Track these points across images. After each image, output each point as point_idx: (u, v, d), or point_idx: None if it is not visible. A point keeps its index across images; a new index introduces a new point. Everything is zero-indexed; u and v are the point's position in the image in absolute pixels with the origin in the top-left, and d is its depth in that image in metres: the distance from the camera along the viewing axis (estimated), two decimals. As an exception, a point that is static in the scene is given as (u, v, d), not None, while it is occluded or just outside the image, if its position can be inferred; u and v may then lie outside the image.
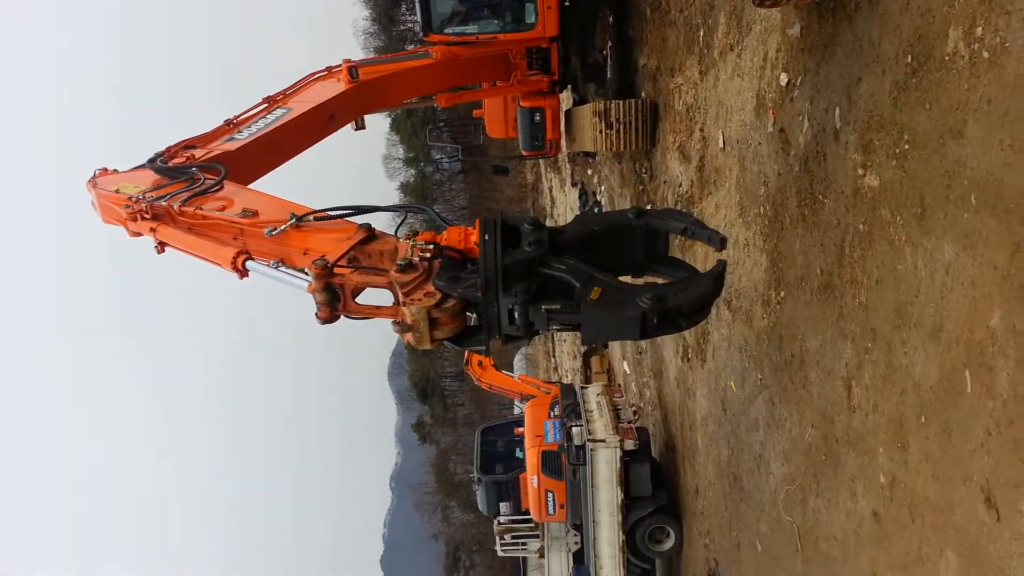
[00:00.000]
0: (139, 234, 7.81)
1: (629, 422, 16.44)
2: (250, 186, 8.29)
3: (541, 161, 46.95)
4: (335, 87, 11.88)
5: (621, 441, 15.17)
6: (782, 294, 8.96)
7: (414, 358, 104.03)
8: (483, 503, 20.74)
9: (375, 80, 12.65)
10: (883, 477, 6.75)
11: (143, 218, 7.56)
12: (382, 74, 13.02)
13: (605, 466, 15.20)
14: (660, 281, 5.93)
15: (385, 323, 5.96)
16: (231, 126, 10.08)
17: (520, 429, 19.28)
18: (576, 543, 17.71)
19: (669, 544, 15.91)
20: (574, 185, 32.46)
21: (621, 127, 14.79)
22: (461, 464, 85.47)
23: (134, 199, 7.73)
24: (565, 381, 34.52)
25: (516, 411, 30.39)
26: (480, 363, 28.12)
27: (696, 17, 11.95)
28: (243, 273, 6.50)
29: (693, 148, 12.52)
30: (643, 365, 20.20)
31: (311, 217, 6.44)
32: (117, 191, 8.24)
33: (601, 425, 15.86)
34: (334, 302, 5.84)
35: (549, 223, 6.10)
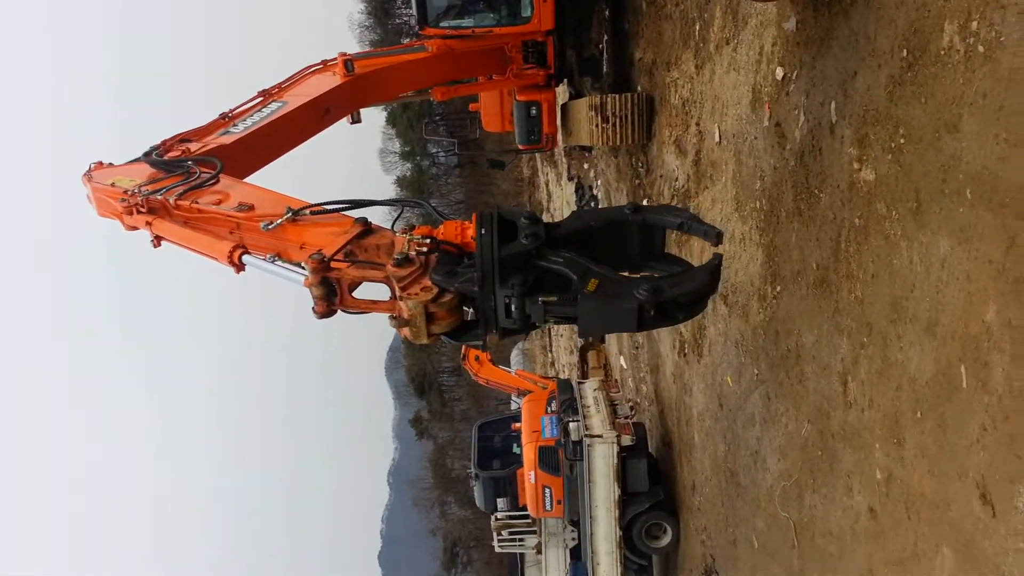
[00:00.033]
0: (135, 228, 7.79)
1: (626, 417, 16.49)
2: (246, 180, 8.26)
3: (537, 155, 47.00)
4: (330, 80, 11.84)
5: (618, 436, 15.19)
6: (778, 289, 8.96)
7: (411, 353, 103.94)
8: (480, 499, 20.76)
9: (370, 74, 12.61)
10: (879, 473, 6.76)
11: (139, 212, 7.53)
12: (378, 68, 12.98)
13: (602, 462, 15.22)
14: (656, 275, 5.93)
15: (382, 317, 5.94)
16: (226, 120, 10.05)
17: (517, 425, 19.29)
18: (573, 539, 17.73)
19: (666, 540, 15.94)
20: (570, 179, 32.46)
21: (617, 121, 14.78)
22: (459, 460, 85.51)
23: (130, 193, 7.70)
24: (562, 376, 34.55)
25: (513, 406, 30.44)
26: (477, 358, 28.10)
27: (692, 11, 11.93)
28: (239, 267, 6.48)
29: (689, 142, 12.51)
30: (640, 360, 20.21)
31: (307, 211, 6.42)
32: (113, 185, 8.21)
33: (598, 420, 15.88)
34: (331, 296, 5.82)
35: (545, 217, 6.10)
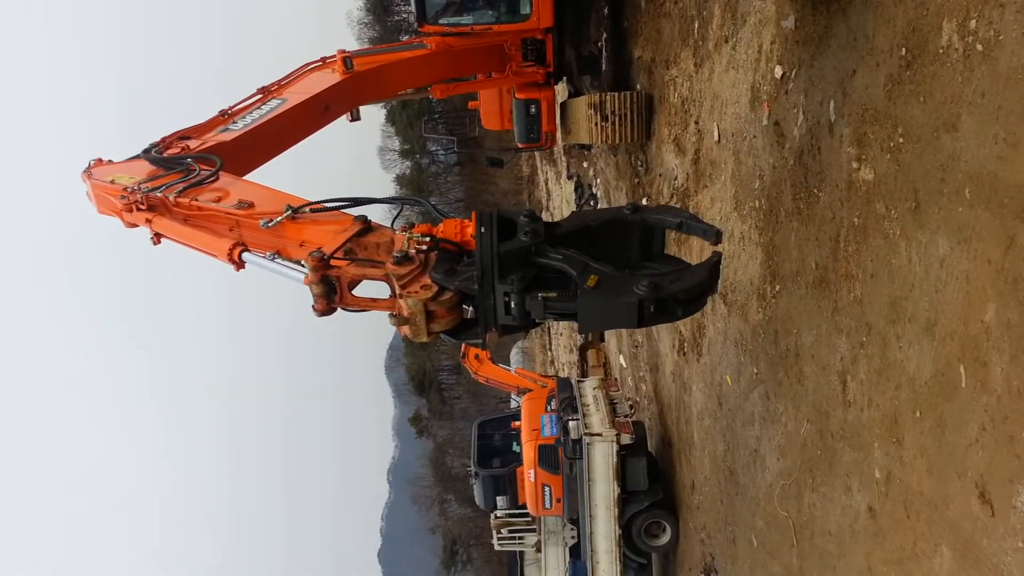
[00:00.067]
0: (135, 225, 7.78)
1: (625, 416, 16.46)
2: (246, 177, 8.26)
3: (537, 153, 46.92)
4: (330, 78, 11.83)
5: (617, 435, 15.16)
6: (777, 288, 8.96)
7: (411, 351, 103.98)
8: (480, 497, 20.77)
9: (370, 71, 12.61)
10: (878, 472, 6.76)
11: (138, 209, 7.52)
12: (377, 65, 12.97)
13: (601, 460, 15.20)
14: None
15: (382, 316, 5.95)
16: (226, 117, 10.04)
17: (517, 423, 19.29)
18: (573, 537, 17.72)
19: (665, 539, 15.91)
20: (570, 178, 32.44)
21: (616, 119, 14.77)
22: (458, 458, 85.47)
23: (129, 190, 7.69)
24: (562, 375, 34.54)
25: (513, 405, 30.42)
26: (477, 356, 28.08)
27: (691, 9, 11.92)
28: (239, 265, 6.48)
29: (688, 141, 12.51)
30: (639, 359, 20.20)
31: (307, 209, 6.42)
32: (112, 182, 8.20)
33: (597, 419, 15.86)
34: (331, 294, 5.82)
35: (545, 216, 6.10)
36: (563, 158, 34.76)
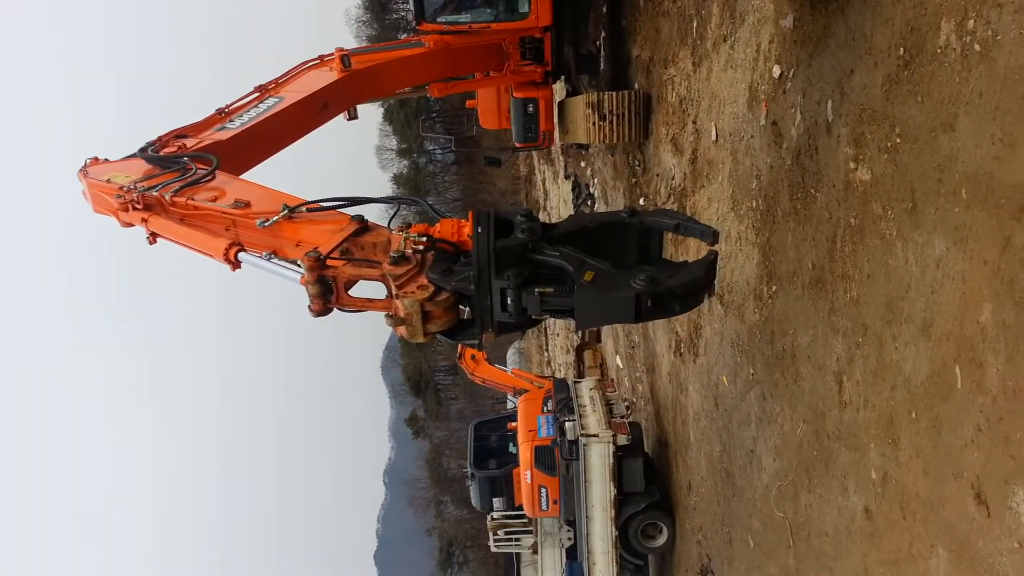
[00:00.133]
0: (130, 224, 7.75)
1: (622, 417, 16.45)
2: (242, 176, 8.24)
3: (534, 153, 46.91)
4: (327, 76, 11.82)
5: (614, 436, 15.14)
6: (774, 288, 8.96)
7: (407, 352, 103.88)
8: (476, 498, 20.71)
9: (367, 69, 12.59)
10: (874, 473, 6.76)
11: (134, 208, 7.50)
12: (375, 63, 12.96)
13: (598, 461, 15.18)
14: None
15: (378, 316, 5.94)
16: (223, 115, 10.00)
17: (513, 424, 19.27)
18: (569, 539, 17.67)
19: (662, 540, 15.90)
20: (567, 177, 32.46)
21: (614, 119, 14.77)
22: (455, 459, 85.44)
23: (125, 189, 7.67)
24: (558, 375, 34.54)
25: (509, 406, 30.40)
26: (473, 357, 28.06)
27: (689, 8, 11.92)
28: (235, 265, 6.46)
29: (686, 140, 12.50)
30: (636, 360, 20.20)
31: (304, 208, 6.41)
32: (108, 181, 8.18)
33: (594, 420, 15.85)
34: (327, 295, 5.81)
35: (542, 216, 6.09)
36: (561, 157, 34.77)
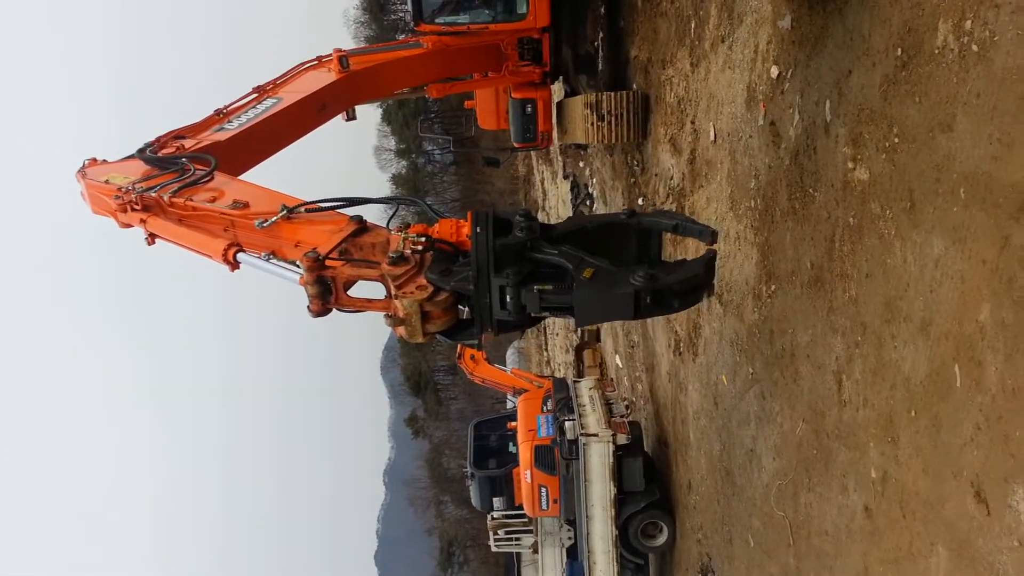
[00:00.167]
0: (129, 225, 7.74)
1: (622, 416, 16.44)
2: (241, 177, 8.24)
3: (533, 153, 46.90)
4: (326, 77, 11.82)
5: (614, 435, 15.15)
6: (773, 288, 8.96)
7: (407, 352, 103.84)
8: (476, 498, 20.72)
9: (366, 70, 12.59)
10: (874, 472, 6.76)
11: (133, 209, 7.49)
12: (373, 64, 12.96)
13: (598, 460, 15.18)
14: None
15: (378, 316, 5.94)
16: (221, 116, 10.01)
17: (513, 423, 19.27)
18: (570, 538, 17.68)
19: (662, 539, 15.90)
20: (566, 177, 32.47)
21: (612, 119, 14.77)
22: (454, 459, 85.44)
23: (124, 190, 7.67)
24: (557, 375, 34.55)
25: (509, 405, 30.41)
26: (472, 357, 28.08)
27: (687, 8, 11.93)
28: (234, 265, 6.46)
29: (684, 141, 12.51)
30: (635, 359, 20.21)
31: (302, 209, 6.41)
32: (107, 182, 8.18)
33: (594, 419, 15.85)
34: (326, 295, 5.81)
35: (541, 216, 6.10)
36: (559, 158, 34.77)
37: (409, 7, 14.53)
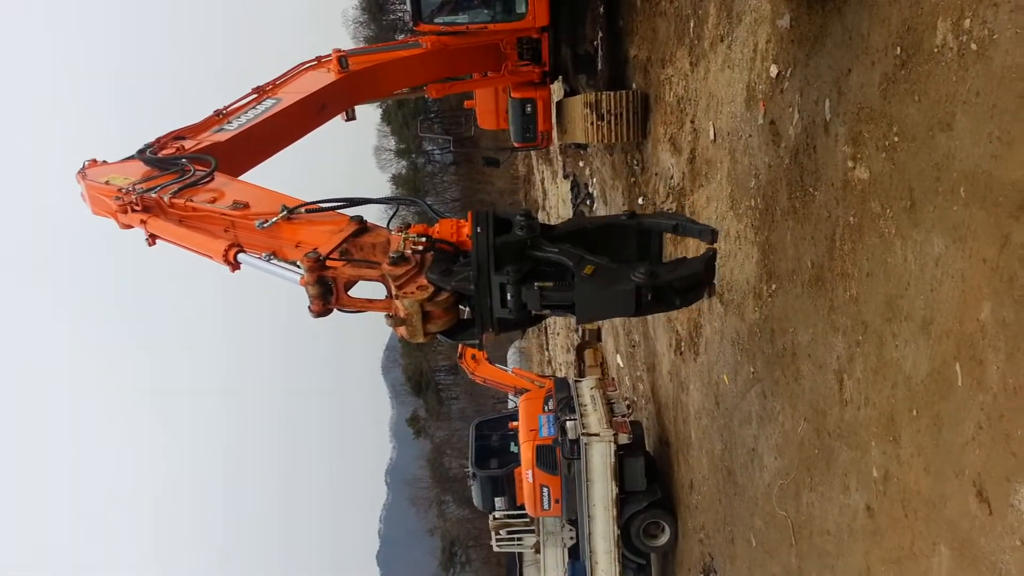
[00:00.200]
0: (129, 226, 7.75)
1: (623, 416, 16.43)
2: (241, 178, 8.24)
3: (533, 153, 46.90)
4: (325, 77, 11.82)
5: (615, 435, 15.13)
6: (773, 287, 8.96)
7: (408, 352, 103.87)
8: (478, 498, 20.72)
9: (365, 70, 12.59)
10: (876, 471, 6.76)
11: (133, 210, 7.50)
12: (372, 64, 12.96)
13: (599, 460, 15.16)
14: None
15: (378, 316, 5.94)
16: (221, 116, 10.02)
17: (514, 423, 19.25)
18: (572, 538, 17.66)
19: (664, 539, 15.89)
20: (566, 177, 32.45)
21: (612, 119, 14.78)
22: (456, 459, 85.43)
23: (124, 191, 7.68)
24: (559, 375, 34.54)
25: (510, 405, 30.41)
26: (474, 356, 28.08)
27: (686, 8, 11.92)
28: (235, 266, 6.46)
29: (684, 140, 12.50)
30: (636, 359, 20.20)
31: (303, 209, 6.41)
32: (107, 183, 8.19)
33: (595, 419, 15.83)
34: (327, 295, 5.81)
35: (541, 216, 6.11)
36: (559, 157, 34.76)
37: (408, 7, 14.53)
